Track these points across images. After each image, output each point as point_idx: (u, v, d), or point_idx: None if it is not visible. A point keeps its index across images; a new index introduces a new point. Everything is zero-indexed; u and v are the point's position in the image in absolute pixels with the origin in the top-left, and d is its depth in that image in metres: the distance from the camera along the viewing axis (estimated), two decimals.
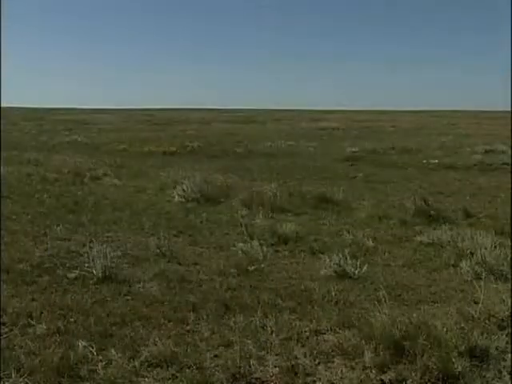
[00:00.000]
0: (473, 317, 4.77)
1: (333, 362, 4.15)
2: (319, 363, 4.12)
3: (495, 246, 6.95)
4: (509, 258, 6.34)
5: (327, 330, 4.66)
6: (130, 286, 5.79)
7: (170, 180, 13.26)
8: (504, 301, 4.84)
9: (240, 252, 7.08)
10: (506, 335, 4.40)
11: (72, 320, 4.82)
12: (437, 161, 18.81)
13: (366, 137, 31.54)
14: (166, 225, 8.77)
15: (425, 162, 18.75)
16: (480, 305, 4.89)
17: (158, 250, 7.09)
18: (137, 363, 4.03)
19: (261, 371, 3.98)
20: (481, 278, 5.78)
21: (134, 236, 8.04)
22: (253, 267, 6.48)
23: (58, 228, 8.14)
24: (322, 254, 7.02)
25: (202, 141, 26.23)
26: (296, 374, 3.95)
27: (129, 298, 5.48)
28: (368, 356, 4.07)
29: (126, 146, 24.00)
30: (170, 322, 4.85)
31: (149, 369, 4.00)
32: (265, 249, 7.18)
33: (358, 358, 4.12)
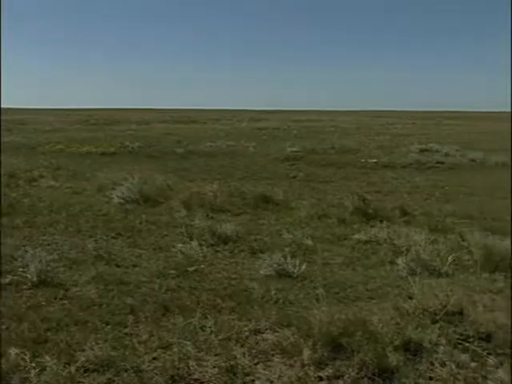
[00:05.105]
0: (407, 312, 4.89)
1: (272, 360, 4.17)
2: (258, 362, 4.13)
3: (429, 243, 7.17)
4: (441, 254, 6.52)
5: (266, 329, 4.68)
6: (66, 290, 5.66)
7: (108, 181, 13.03)
8: (437, 295, 4.97)
9: (179, 253, 7.03)
10: (439, 328, 4.54)
11: (4, 327, 4.67)
12: (375, 160, 19.21)
13: (306, 136, 31.89)
14: (104, 226, 8.62)
15: (363, 161, 19.11)
16: (414, 300, 5.03)
17: (96, 253, 6.97)
18: (72, 369, 3.93)
19: (200, 372, 3.97)
20: (415, 274, 5.94)
21: (71, 238, 7.86)
22: (192, 268, 6.45)
23: None
24: (262, 253, 7.06)
25: (142, 141, 25.90)
26: (235, 373, 3.95)
27: (65, 302, 5.35)
28: (306, 354, 4.12)
29: (63, 146, 23.47)
30: (107, 325, 4.76)
31: (85, 374, 3.92)
32: (204, 249, 7.17)
33: (296, 356, 4.16)
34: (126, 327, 4.73)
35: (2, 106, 41.86)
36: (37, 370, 3.88)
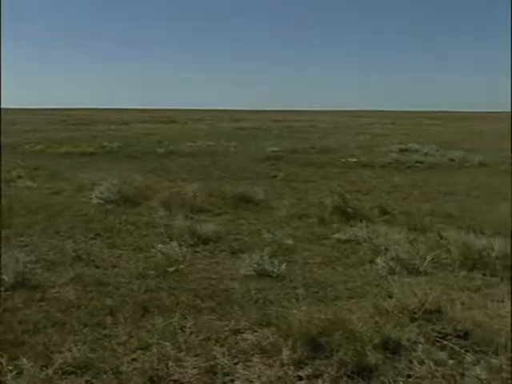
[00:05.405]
0: (387, 310, 4.92)
1: (251, 360, 4.17)
2: (238, 362, 4.13)
3: (408, 242, 7.22)
4: (420, 253, 6.57)
5: (246, 329, 4.68)
6: (44, 292, 5.60)
7: (87, 181, 12.93)
8: (416, 294, 5.01)
9: (159, 253, 6.99)
10: (417, 327, 4.57)
11: None
12: (355, 159, 19.30)
13: (286, 136, 31.94)
14: (83, 227, 8.55)
15: (343, 160, 19.18)
16: (393, 299, 5.06)
17: (75, 254, 6.90)
18: (50, 371, 3.89)
19: (179, 373, 3.95)
20: (395, 273, 5.99)
21: (50, 239, 7.78)
22: (172, 268, 6.43)
23: None
24: (242, 253, 7.05)
25: (122, 141, 25.73)
26: (215, 374, 3.94)
27: (43, 304, 5.29)
28: (286, 353, 4.12)
29: (42, 146, 23.23)
30: (85, 326, 4.72)
31: (63, 376, 3.88)
32: (184, 249, 7.14)
33: (276, 356, 4.16)
34: (104, 328, 4.70)
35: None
36: (14, 373, 3.83)
